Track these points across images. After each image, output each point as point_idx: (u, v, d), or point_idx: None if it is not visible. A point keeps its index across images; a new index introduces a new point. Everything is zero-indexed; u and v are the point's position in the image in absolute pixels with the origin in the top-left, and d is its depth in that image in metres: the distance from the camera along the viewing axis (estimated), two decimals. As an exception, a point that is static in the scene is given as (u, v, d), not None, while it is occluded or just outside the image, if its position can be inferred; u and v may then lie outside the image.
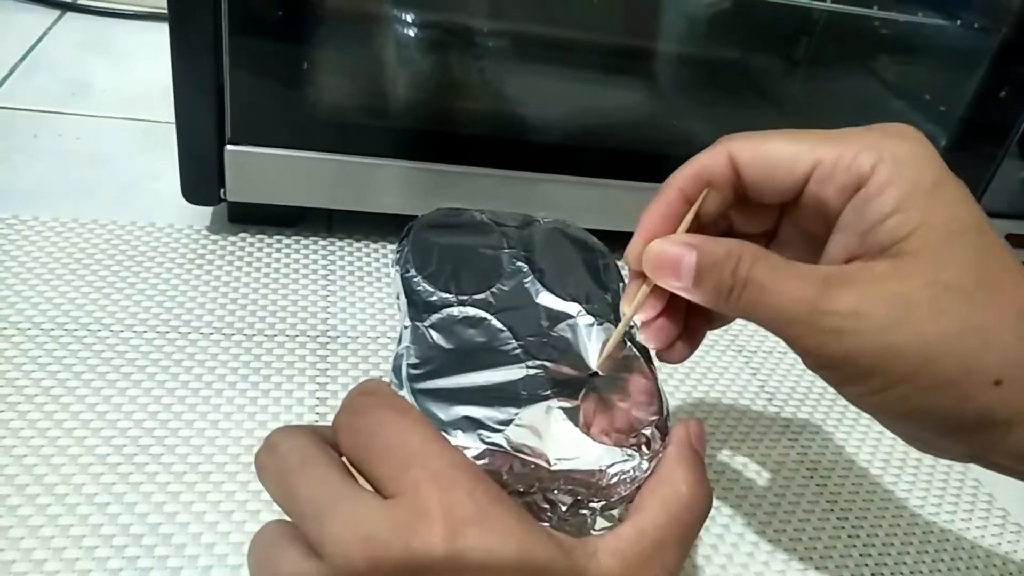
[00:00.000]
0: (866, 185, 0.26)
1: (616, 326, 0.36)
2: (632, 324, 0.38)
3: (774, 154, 0.27)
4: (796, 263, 0.27)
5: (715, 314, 0.32)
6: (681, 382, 0.50)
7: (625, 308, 0.32)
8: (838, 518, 0.43)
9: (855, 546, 0.42)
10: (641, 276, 0.30)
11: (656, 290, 0.30)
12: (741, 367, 0.52)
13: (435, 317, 0.34)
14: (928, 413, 0.25)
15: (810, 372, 0.55)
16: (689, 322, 0.32)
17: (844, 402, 0.53)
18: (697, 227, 0.30)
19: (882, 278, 0.25)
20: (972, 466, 0.48)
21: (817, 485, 0.45)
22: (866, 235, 0.26)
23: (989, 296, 0.24)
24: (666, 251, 0.28)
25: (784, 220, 0.30)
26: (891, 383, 0.25)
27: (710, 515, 0.41)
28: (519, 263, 0.39)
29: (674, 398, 0.48)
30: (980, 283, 0.24)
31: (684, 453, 0.29)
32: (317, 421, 0.42)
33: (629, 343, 0.35)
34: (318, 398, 0.43)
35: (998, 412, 0.24)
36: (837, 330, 0.25)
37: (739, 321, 0.56)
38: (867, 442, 0.49)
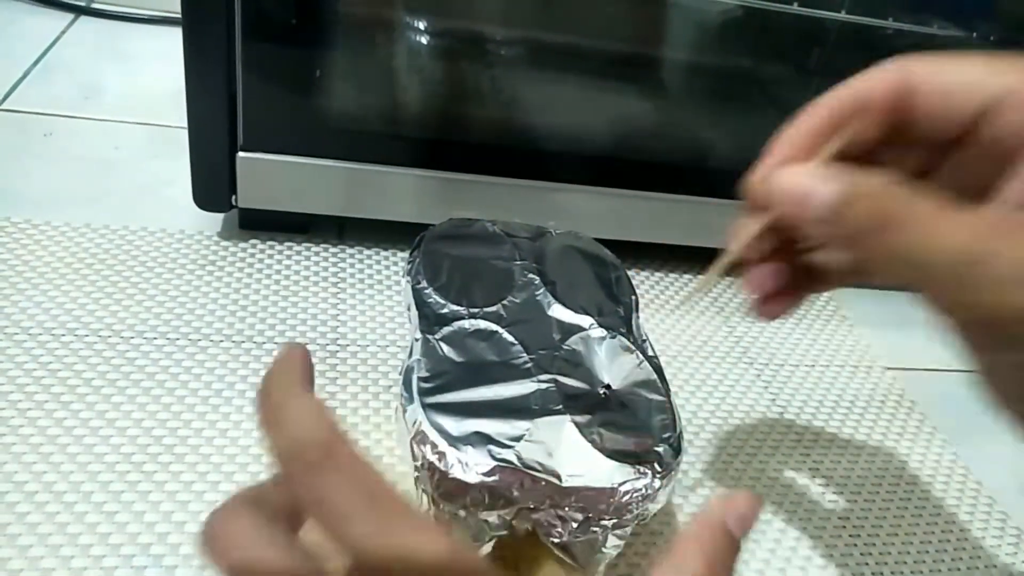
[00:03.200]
0: None
1: (628, 339, 0.36)
2: (645, 338, 0.37)
3: (954, 77, 0.24)
4: (955, 205, 0.23)
5: (825, 273, 0.29)
6: (692, 394, 0.49)
7: (732, 244, 0.28)
8: (850, 535, 0.43)
9: (867, 564, 0.41)
10: (760, 209, 0.26)
11: (770, 230, 0.26)
12: (753, 379, 0.52)
13: (446, 330, 0.34)
14: None
15: (823, 384, 0.54)
16: (794, 278, 0.28)
17: (857, 414, 0.53)
18: (838, 160, 0.26)
19: None
20: (986, 482, 0.48)
21: (830, 501, 0.44)
22: None
23: None
24: (802, 180, 0.24)
25: (945, 162, 0.26)
26: None
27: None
28: (531, 275, 0.38)
29: (684, 411, 0.48)
30: None
31: (705, 534, 0.22)
32: (326, 430, 0.42)
33: (643, 358, 0.35)
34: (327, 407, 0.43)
35: None
36: (998, 282, 0.21)
37: (750, 331, 0.56)
38: (880, 455, 0.48)
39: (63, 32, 0.75)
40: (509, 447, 0.29)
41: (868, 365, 0.55)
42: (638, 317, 0.39)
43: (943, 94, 0.24)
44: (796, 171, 0.25)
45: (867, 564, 0.41)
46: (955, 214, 0.22)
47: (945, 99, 0.24)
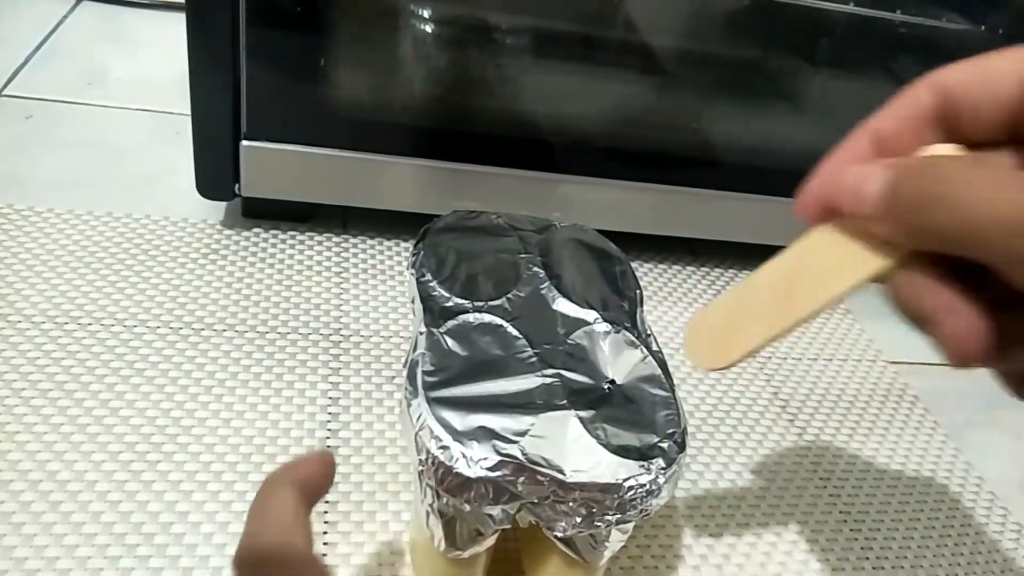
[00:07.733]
0: None
1: (632, 334, 0.36)
2: (650, 332, 0.37)
3: (989, 66, 0.23)
4: (1015, 170, 0.22)
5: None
6: (694, 387, 0.49)
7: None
8: (851, 529, 0.43)
9: (867, 558, 0.42)
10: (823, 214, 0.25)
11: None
12: (755, 373, 0.52)
13: (451, 323, 0.34)
14: None
15: (826, 378, 0.54)
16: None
17: (860, 409, 0.53)
18: None
19: None
20: (987, 476, 0.48)
21: (830, 495, 0.45)
22: None
23: None
24: (857, 170, 0.23)
25: (1010, 151, 0.24)
26: None
27: (722, 527, 0.41)
28: (535, 268, 0.38)
29: (686, 404, 0.48)
30: None
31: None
32: (329, 421, 0.42)
33: (648, 353, 0.35)
34: (330, 397, 0.43)
35: None
36: None
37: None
38: (882, 451, 0.48)
39: (65, 17, 0.75)
40: (514, 442, 0.29)
41: (871, 359, 0.55)
42: (642, 311, 0.38)
43: (980, 83, 0.23)
44: (853, 168, 0.24)
45: (868, 559, 0.42)
46: (1012, 176, 0.21)
47: (983, 88, 0.23)
